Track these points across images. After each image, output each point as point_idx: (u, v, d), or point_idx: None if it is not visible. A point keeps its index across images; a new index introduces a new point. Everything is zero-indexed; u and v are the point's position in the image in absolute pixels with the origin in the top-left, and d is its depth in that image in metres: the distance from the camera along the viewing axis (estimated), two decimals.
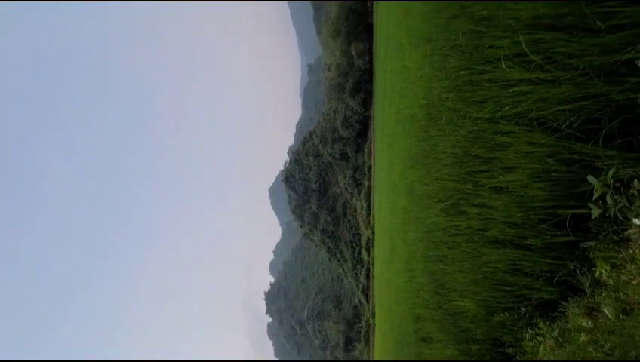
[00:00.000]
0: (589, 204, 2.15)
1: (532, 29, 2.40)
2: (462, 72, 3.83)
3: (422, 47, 6.57)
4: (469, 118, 3.58)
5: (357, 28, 44.60)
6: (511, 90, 2.62)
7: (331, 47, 52.86)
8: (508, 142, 2.89)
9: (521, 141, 2.72)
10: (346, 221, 45.55)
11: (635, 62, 1.79)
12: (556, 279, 2.58)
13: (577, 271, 2.48)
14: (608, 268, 2.19)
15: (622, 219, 1.95)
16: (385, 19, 19.93)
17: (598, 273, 2.25)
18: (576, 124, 2.20)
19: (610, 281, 2.19)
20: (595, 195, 2.02)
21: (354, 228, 43.61)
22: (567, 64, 2.12)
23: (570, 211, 2.43)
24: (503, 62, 2.67)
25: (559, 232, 2.45)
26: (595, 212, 2.11)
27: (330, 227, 47.44)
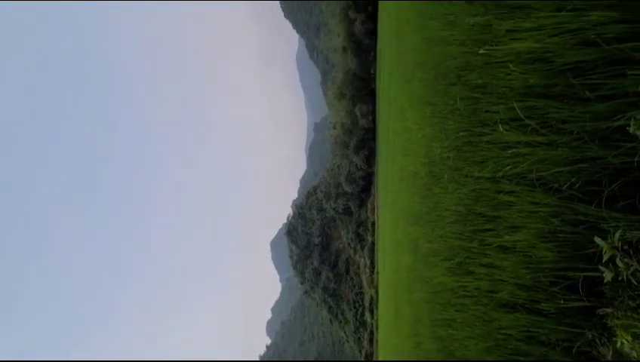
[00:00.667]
0: (600, 267, 2.09)
1: (525, 97, 2.57)
2: (461, 134, 4.01)
3: (422, 109, 6.96)
4: (471, 176, 3.65)
5: (361, 91, 47.69)
6: (510, 152, 2.72)
7: (337, 107, 55.95)
8: (511, 201, 2.91)
9: (523, 200, 2.74)
10: (348, 278, 43.81)
11: (627, 128, 1.88)
12: (575, 349, 2.40)
13: (597, 340, 2.31)
14: (630, 338, 2.05)
15: (636, 283, 1.88)
16: (387, 85, 21.38)
17: (619, 343, 2.10)
18: (577, 185, 2.23)
19: (634, 354, 2.03)
20: (605, 258, 1.98)
21: (357, 287, 41.73)
22: (561, 128, 2.22)
23: (582, 274, 2.35)
24: (500, 126, 2.80)
25: (572, 296, 2.34)
26: (608, 276, 2.04)
27: (332, 284, 45.51)
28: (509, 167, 2.81)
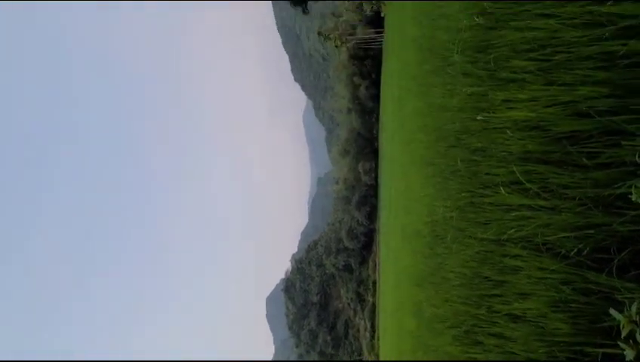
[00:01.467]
0: (620, 344, 1.95)
1: (524, 161, 2.64)
2: (463, 194, 4.04)
3: (424, 170, 7.12)
4: (475, 238, 3.59)
5: (364, 150, 49.33)
6: (513, 214, 2.70)
7: (340, 163, 57.40)
8: (518, 266, 2.82)
9: (531, 266, 2.65)
10: (347, 343, 40.76)
11: (629, 196, 1.89)
12: None
13: None
14: None
15: None
16: (389, 145, 22.15)
17: None
18: (585, 252, 2.18)
19: None
20: (624, 333, 1.84)
21: (356, 353, 38.63)
22: (563, 194, 2.24)
23: (601, 350, 2.18)
24: (501, 188, 2.83)
25: None
26: (629, 354, 1.89)
27: (330, 350, 42.21)
28: (513, 230, 2.78)
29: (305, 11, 35.78)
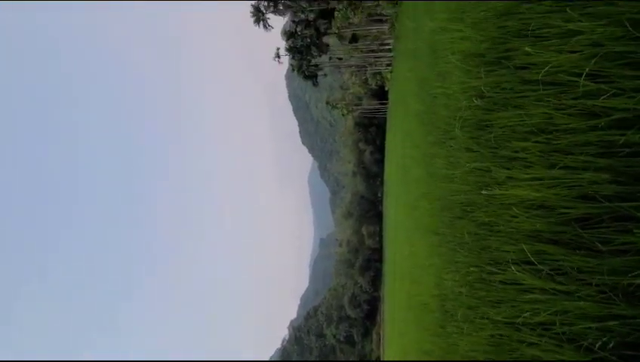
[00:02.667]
0: None
1: (534, 240, 2.57)
2: (472, 269, 3.88)
3: (429, 238, 6.98)
4: (488, 318, 3.35)
5: (368, 213, 49.22)
6: (527, 297, 2.55)
7: (344, 225, 56.77)
8: (537, 355, 2.57)
9: (551, 356, 2.42)
10: None
11: None
12: None
13: None
14: None
15: None
16: (394, 210, 22.14)
17: None
18: (610, 345, 1.99)
19: None
20: None
21: None
22: (578, 278, 2.13)
23: None
24: (512, 266, 2.72)
25: None
26: None
27: None
28: (528, 314, 2.59)
29: (315, 84, 38.93)
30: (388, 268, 26.69)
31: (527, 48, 2.62)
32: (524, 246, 2.54)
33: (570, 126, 2.12)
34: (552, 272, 2.35)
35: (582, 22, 1.99)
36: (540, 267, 2.37)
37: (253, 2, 29.57)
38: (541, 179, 2.41)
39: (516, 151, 2.81)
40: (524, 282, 2.66)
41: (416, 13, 14.10)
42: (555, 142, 2.23)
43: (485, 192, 3.32)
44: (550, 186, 2.32)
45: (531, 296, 2.54)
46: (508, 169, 2.90)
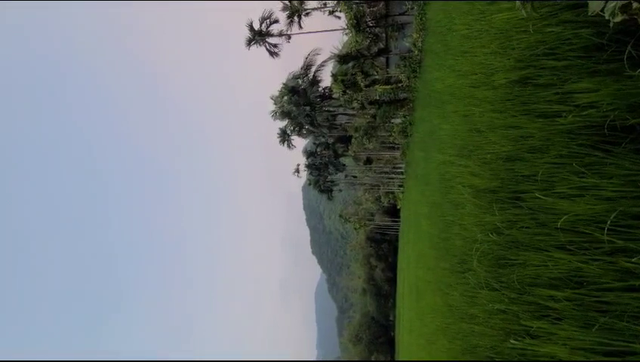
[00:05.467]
0: None
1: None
2: None
3: None
4: None
5: (378, 339, 43.95)
6: None
7: (351, 352, 50.15)
8: None
9: None
10: None
11: None
12: None
13: None
14: None
15: None
16: (408, 340, 19.70)
17: None
18: None
19: None
20: None
21: None
22: None
23: None
24: None
25: None
26: None
27: None
28: None
29: (330, 198, 40.74)
30: None
31: (537, 194, 2.66)
32: None
33: (603, 282, 1.94)
34: None
35: (592, 178, 2.04)
36: None
37: (280, 126, 33.92)
38: (580, 340, 2.09)
39: (544, 299, 2.55)
40: None
41: (425, 145, 15.54)
42: (588, 297, 2.02)
43: (514, 341, 2.90)
44: (593, 351, 1.99)
45: None
46: (538, 319, 2.58)
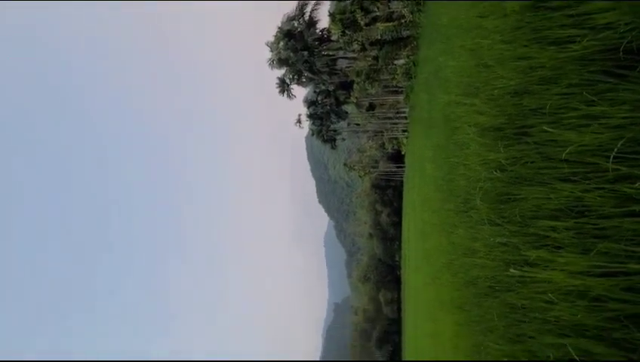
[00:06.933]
0: None
1: (577, 336, 2.25)
2: (505, 359, 3.41)
3: (454, 315, 6.38)
4: None
5: (385, 277, 46.79)
6: None
7: (360, 290, 53.81)
8: None
9: None
10: None
11: None
12: None
13: None
14: None
15: None
16: (414, 278, 20.97)
17: None
18: None
19: None
20: None
21: None
22: None
23: None
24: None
25: None
26: None
27: None
28: None
29: (333, 147, 40.52)
30: (408, 344, 24.32)
31: (544, 127, 2.60)
32: (566, 342, 2.22)
33: (603, 209, 1.97)
34: None
35: (602, 106, 1.97)
36: None
37: (279, 75, 32.55)
38: (577, 264, 2.19)
39: (545, 230, 2.63)
40: None
41: (429, 86, 14.96)
42: (587, 225, 2.07)
43: (514, 271, 3.06)
44: (589, 273, 2.09)
45: None
46: (537, 248, 2.69)
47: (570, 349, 2.19)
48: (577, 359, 2.13)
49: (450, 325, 6.97)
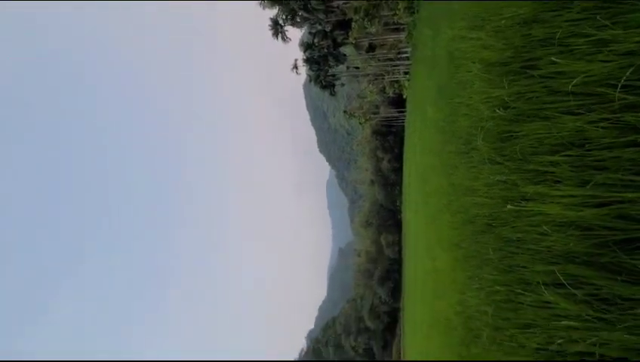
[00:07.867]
0: None
1: (566, 262, 2.38)
2: (498, 288, 3.67)
3: (452, 252, 6.72)
4: (517, 343, 3.13)
5: (387, 221, 48.42)
6: (562, 323, 2.35)
7: (362, 235, 56.09)
8: None
9: None
10: None
11: None
12: None
13: None
14: None
15: None
16: (414, 220, 21.67)
17: None
18: None
19: None
20: None
21: None
22: (623, 307, 1.94)
23: None
24: (543, 289, 2.53)
25: None
26: None
27: None
28: (562, 341, 2.39)
29: (332, 93, 39.18)
30: (408, 281, 26.02)
31: (553, 58, 2.48)
32: (555, 269, 2.36)
33: (605, 140, 1.96)
34: (588, 298, 2.16)
35: (614, 30, 1.85)
36: (574, 292, 2.19)
37: (271, 15, 30.29)
38: (573, 197, 2.24)
39: (544, 165, 2.65)
40: (557, 306, 2.47)
41: (434, 21, 13.97)
42: (587, 157, 2.07)
43: (511, 206, 3.15)
44: (584, 204, 2.15)
45: (566, 322, 2.35)
46: (536, 184, 2.73)
47: (559, 274, 2.34)
48: (567, 285, 2.28)
49: (448, 261, 7.38)
